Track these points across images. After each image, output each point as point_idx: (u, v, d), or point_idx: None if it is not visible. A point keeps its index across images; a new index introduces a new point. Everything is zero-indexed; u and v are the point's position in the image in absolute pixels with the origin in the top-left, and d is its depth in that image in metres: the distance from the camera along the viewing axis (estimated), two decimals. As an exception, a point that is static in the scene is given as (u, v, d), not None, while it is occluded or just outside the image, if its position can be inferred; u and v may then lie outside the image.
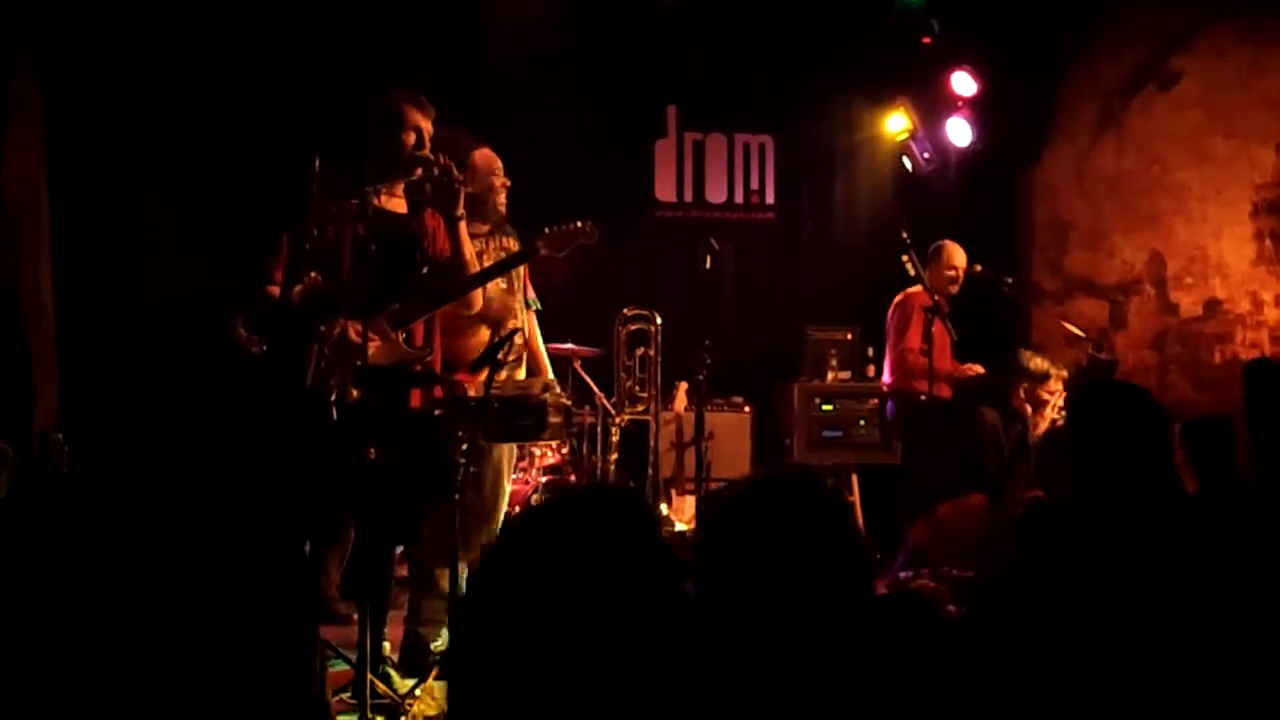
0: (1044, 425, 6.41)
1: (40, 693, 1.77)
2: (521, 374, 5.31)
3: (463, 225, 4.53)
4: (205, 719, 1.77)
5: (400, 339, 4.33)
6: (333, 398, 4.00)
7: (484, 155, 5.19)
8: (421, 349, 4.42)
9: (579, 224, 4.81)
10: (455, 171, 4.44)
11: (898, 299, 6.86)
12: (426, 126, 4.46)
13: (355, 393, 4.05)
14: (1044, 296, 8.30)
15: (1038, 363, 6.37)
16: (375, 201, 4.23)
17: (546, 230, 4.84)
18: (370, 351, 4.06)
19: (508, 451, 5.09)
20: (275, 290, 4.25)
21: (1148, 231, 8.21)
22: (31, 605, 1.82)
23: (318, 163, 4.19)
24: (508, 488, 5.13)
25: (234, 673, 1.82)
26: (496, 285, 5.04)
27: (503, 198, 5.18)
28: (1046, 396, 6.25)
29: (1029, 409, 6.37)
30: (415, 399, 4.42)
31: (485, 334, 5.00)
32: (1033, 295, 8.15)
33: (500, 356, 4.33)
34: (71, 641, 1.79)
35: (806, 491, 1.86)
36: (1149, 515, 2.85)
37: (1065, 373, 6.36)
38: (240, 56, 6.66)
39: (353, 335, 4.13)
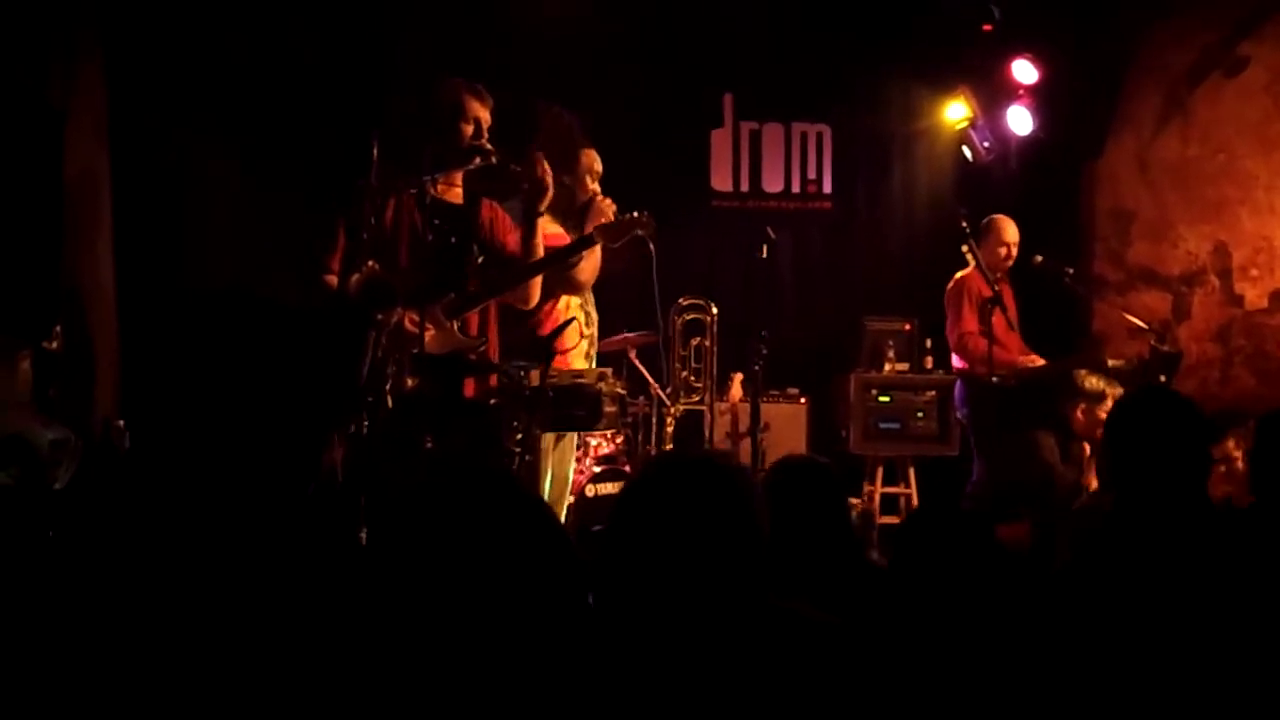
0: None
1: (107, 657, 1.78)
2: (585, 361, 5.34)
3: (541, 220, 4.54)
4: (255, 698, 1.78)
5: (455, 328, 4.34)
6: (388, 386, 4.01)
7: (590, 155, 5.21)
8: (476, 338, 4.42)
9: (635, 214, 4.84)
10: (513, 165, 4.45)
11: (950, 284, 6.80)
12: (485, 116, 4.46)
13: (411, 382, 4.06)
14: (1106, 287, 8.17)
15: (1093, 382, 6.18)
16: (433, 191, 4.26)
17: (602, 220, 4.87)
18: (425, 340, 4.10)
19: (569, 443, 5.12)
20: (333, 279, 4.26)
21: (1213, 221, 8.07)
22: (92, 582, 1.83)
23: (375, 151, 4.20)
24: (569, 478, 5.17)
25: (281, 658, 1.83)
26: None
27: (587, 198, 5.16)
28: (1104, 416, 6.05)
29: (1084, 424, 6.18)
30: (469, 388, 4.43)
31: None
32: (1094, 286, 8.03)
33: (556, 346, 4.36)
34: (131, 617, 1.80)
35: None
36: (1177, 529, 2.78)
37: (1121, 390, 6.20)
38: (299, 42, 6.69)
39: (408, 324, 4.14)
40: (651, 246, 5.12)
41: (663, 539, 1.86)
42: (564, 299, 5.15)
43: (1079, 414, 6.12)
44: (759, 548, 1.91)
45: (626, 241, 4.99)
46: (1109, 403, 6.03)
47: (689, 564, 1.84)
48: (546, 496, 4.99)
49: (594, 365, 5.34)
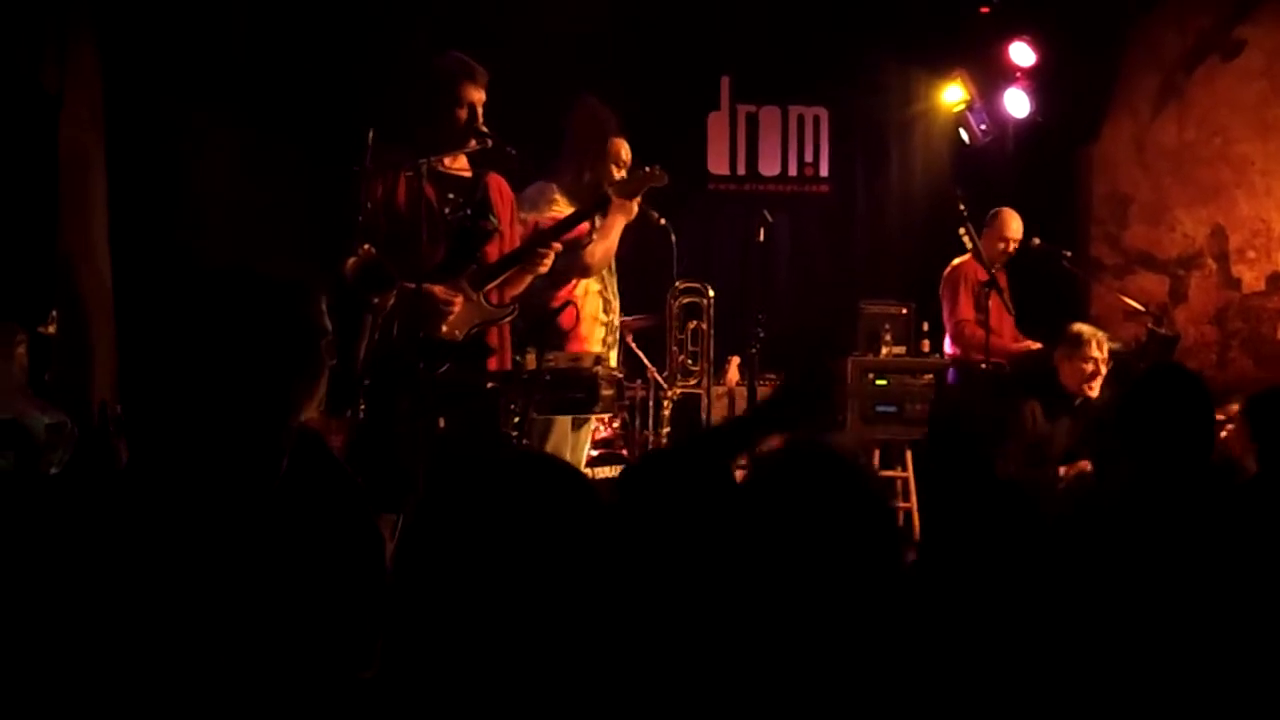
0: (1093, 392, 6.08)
1: (102, 655, 1.77)
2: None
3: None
4: (265, 692, 1.77)
5: (482, 299, 4.39)
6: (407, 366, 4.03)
7: (618, 144, 5.20)
8: (504, 307, 4.46)
9: (648, 169, 4.88)
10: (509, 148, 4.46)
11: (946, 271, 6.80)
12: (480, 97, 4.44)
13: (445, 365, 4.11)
14: (1103, 271, 8.18)
15: (1076, 328, 6.11)
16: (440, 167, 4.31)
17: (617, 178, 4.92)
18: (455, 313, 4.23)
19: (586, 430, 5.15)
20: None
21: (1210, 205, 8.07)
22: (87, 572, 1.82)
23: (370, 135, 4.21)
24: (581, 464, 5.19)
25: (300, 648, 1.82)
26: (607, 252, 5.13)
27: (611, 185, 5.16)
28: (1085, 365, 5.94)
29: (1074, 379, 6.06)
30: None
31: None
32: (1092, 269, 8.03)
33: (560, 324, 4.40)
34: (130, 611, 1.78)
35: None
36: (1195, 505, 2.80)
37: (1102, 335, 6.11)
38: (295, 24, 6.67)
39: (441, 296, 4.24)
40: (673, 238, 5.17)
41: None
42: (581, 284, 5.12)
43: (1058, 361, 6.03)
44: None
45: (636, 225, 5.01)
46: (1085, 349, 5.91)
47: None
48: None
49: (614, 352, 5.33)
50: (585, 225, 4.78)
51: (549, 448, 4.86)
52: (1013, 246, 6.77)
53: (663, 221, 5.20)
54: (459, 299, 4.29)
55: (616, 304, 5.32)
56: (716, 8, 7.77)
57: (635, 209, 5.08)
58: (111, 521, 1.87)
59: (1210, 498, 2.84)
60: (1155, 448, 2.94)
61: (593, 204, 4.91)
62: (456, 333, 4.30)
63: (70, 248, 5.93)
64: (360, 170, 4.21)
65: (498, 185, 4.58)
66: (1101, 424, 5.75)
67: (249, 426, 2.00)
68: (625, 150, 5.19)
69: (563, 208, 5.00)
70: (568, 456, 4.97)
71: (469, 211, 4.37)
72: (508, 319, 4.49)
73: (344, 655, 1.85)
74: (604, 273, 5.18)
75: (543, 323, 4.52)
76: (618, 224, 5.03)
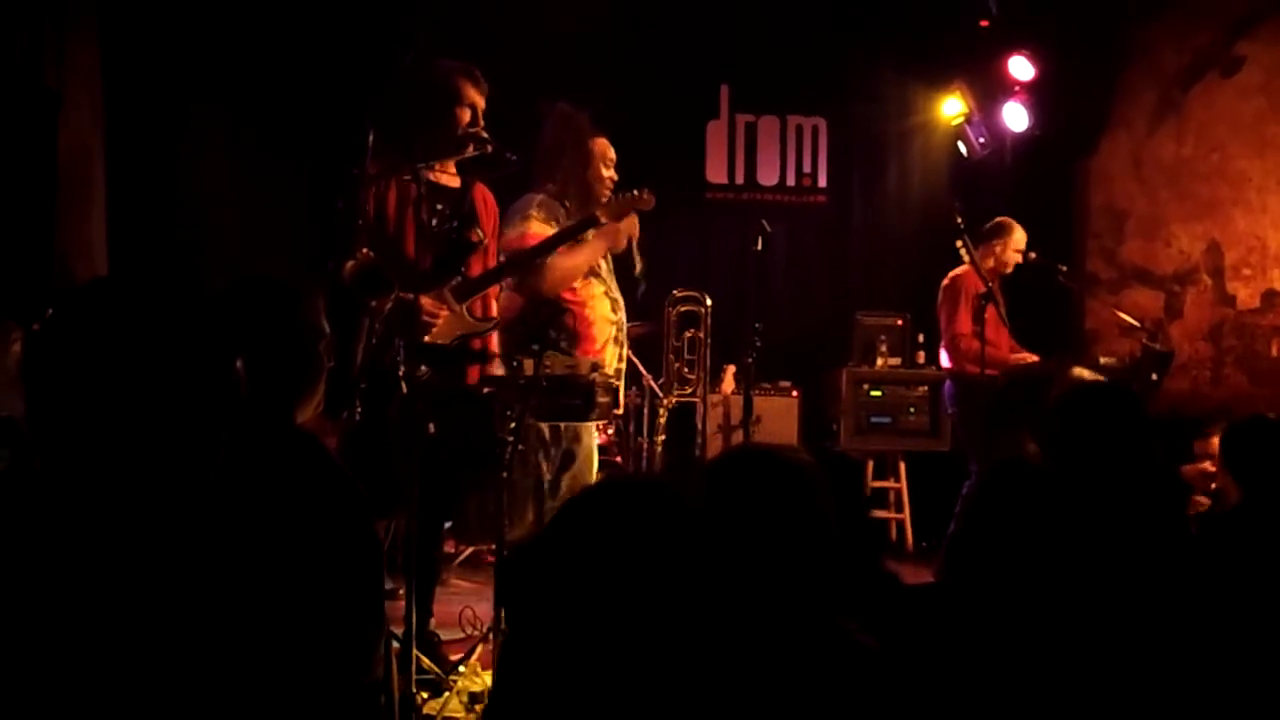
0: None
1: (95, 658, 1.76)
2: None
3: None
4: (264, 701, 1.76)
5: (464, 311, 4.39)
6: (401, 372, 4.02)
7: (602, 144, 5.21)
8: (486, 320, 4.46)
9: (636, 191, 4.90)
10: (508, 154, 4.46)
11: (945, 281, 6.80)
12: (480, 102, 4.46)
13: (424, 368, 4.09)
14: (1099, 285, 8.20)
15: (1075, 373, 6.13)
16: (429, 176, 4.29)
17: (605, 175, 4.95)
18: (439, 325, 4.24)
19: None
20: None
21: (1206, 221, 8.09)
22: (79, 571, 1.81)
23: (370, 139, 4.21)
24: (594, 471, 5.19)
25: (297, 654, 1.81)
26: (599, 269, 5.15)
27: (607, 191, 5.16)
28: None
29: None
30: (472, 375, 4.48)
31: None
32: (1087, 284, 8.05)
33: (553, 335, 4.39)
34: (126, 614, 1.78)
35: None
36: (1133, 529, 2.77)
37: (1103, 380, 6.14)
38: (296, 24, 6.68)
39: (429, 307, 4.23)
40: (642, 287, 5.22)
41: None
42: (588, 287, 5.14)
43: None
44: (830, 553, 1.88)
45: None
46: None
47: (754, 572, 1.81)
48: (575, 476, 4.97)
49: (624, 350, 5.34)
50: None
51: (574, 469, 4.89)
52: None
53: (637, 272, 5.23)
54: (444, 311, 4.30)
55: (621, 302, 5.34)
56: (716, 17, 7.78)
57: (624, 242, 5.11)
58: (103, 522, 1.85)
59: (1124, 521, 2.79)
60: (1077, 467, 2.92)
61: (579, 223, 4.91)
62: (439, 343, 4.31)
63: (68, 245, 5.92)
64: (360, 174, 4.21)
65: (483, 196, 4.59)
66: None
67: (246, 428, 1.99)
68: (609, 149, 5.20)
69: (536, 224, 4.97)
70: (590, 477, 4.98)
71: (456, 223, 4.37)
72: (488, 332, 4.50)
73: (342, 661, 1.84)
74: (605, 274, 5.19)
75: (544, 326, 4.53)
76: (595, 249, 5.04)
